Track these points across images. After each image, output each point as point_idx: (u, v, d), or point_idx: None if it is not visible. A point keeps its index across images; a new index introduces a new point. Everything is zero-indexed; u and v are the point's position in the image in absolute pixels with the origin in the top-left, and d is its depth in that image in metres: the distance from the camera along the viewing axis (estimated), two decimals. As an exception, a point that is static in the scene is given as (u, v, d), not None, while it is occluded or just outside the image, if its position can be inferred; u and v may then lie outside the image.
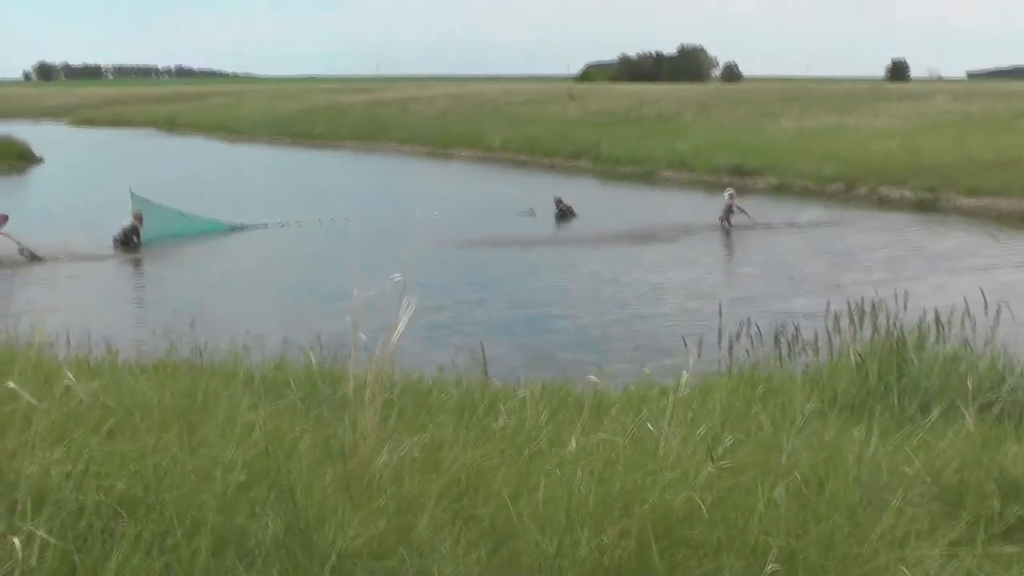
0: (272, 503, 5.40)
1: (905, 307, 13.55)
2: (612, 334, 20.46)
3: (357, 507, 5.44)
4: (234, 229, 36.28)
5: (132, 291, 27.72)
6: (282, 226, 37.39)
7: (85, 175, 59.98)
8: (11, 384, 5.39)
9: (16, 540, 4.54)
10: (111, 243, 32.01)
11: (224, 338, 14.05)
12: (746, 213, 36.42)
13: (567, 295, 25.18)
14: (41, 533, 4.67)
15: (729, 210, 36.47)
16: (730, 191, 38.40)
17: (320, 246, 33.67)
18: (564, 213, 39.48)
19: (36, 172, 65.16)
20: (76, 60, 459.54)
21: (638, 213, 41.26)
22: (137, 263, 30.95)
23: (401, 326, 6.43)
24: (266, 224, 37.30)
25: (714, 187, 49.70)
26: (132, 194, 33.75)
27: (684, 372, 8.00)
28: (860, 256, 30.97)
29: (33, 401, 5.37)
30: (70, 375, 6.01)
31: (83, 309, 20.12)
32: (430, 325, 19.25)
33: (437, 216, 39.35)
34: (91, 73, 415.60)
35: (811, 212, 39.24)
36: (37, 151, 70.70)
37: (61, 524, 4.86)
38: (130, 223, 32.41)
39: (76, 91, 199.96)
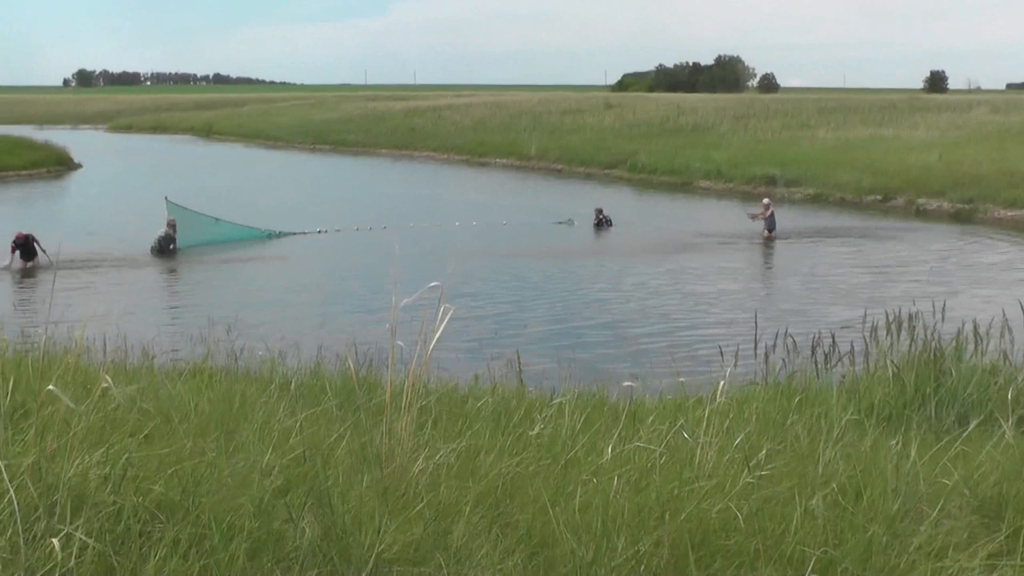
0: (309, 508, 5.41)
1: (943, 318, 13.47)
2: (648, 344, 20.43)
3: (393, 513, 5.45)
4: (271, 236, 36.38)
5: (168, 298, 27.81)
6: (320, 233, 37.48)
7: (123, 181, 60.45)
8: (51, 387, 5.41)
9: (55, 541, 4.57)
10: (148, 251, 32.15)
11: (260, 345, 14.11)
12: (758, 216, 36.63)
13: (604, 305, 25.15)
14: (80, 535, 4.69)
15: (767, 217, 36.42)
16: (766, 200, 38.41)
17: (358, 254, 33.73)
18: (602, 223, 39.52)
19: (75, 178, 65.62)
20: (115, 67, 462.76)
21: (676, 222, 41.39)
22: (174, 270, 31.08)
23: (437, 333, 6.44)
24: (304, 231, 37.38)
25: (751, 197, 49.68)
26: (168, 201, 33.85)
27: (720, 381, 7.97)
28: (898, 267, 30.84)
29: (71, 404, 5.39)
30: (107, 378, 6.02)
31: (120, 315, 20.19)
32: (467, 333, 19.24)
33: (476, 225, 39.37)
34: (129, 80, 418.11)
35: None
36: (76, 157, 71.19)
37: (100, 526, 4.88)
38: (164, 232, 32.59)
39: (115, 98, 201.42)
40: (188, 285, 29.30)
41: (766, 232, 36.22)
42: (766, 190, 50.86)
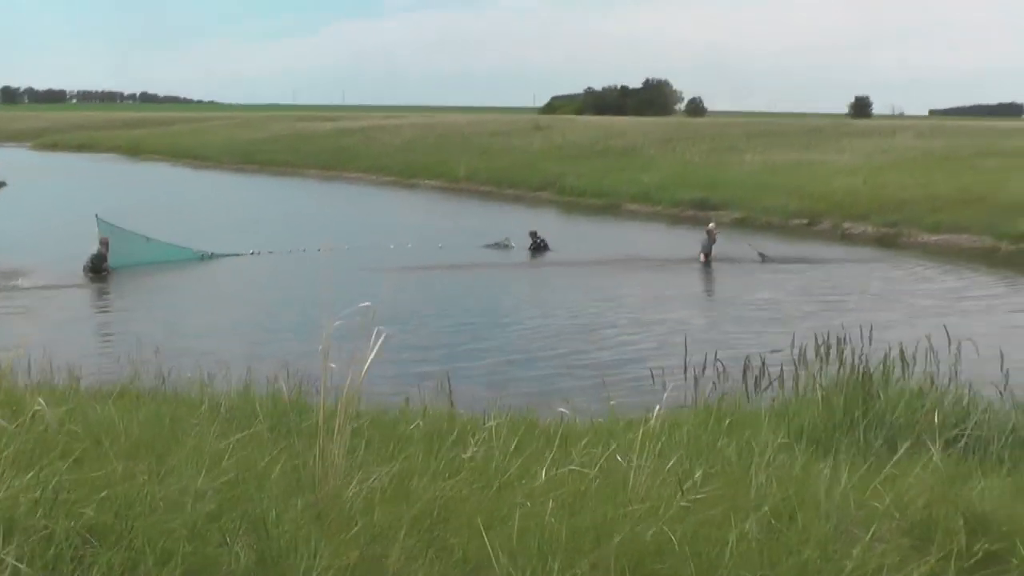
0: (243, 532, 5.38)
1: (870, 342, 13.61)
2: (580, 367, 20.45)
3: (328, 537, 5.43)
4: (204, 257, 36.05)
5: (97, 319, 27.51)
6: (252, 255, 37.21)
7: (49, 199, 59.72)
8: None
9: (-14, 567, 4.51)
10: (81, 271, 31.77)
11: (188, 367, 14.01)
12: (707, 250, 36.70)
13: (536, 327, 25.16)
14: (11, 560, 4.64)
15: (710, 243, 36.57)
16: (712, 224, 38.50)
17: (290, 276, 33.55)
18: (538, 246, 39.52)
19: (-1, 196, 64.83)
20: (40, 84, 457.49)
21: (609, 246, 41.41)
22: (103, 290, 30.73)
23: (371, 355, 6.43)
24: (237, 253, 37.11)
25: (678, 220, 50.08)
26: (98, 219, 33.44)
27: (656, 406, 8.01)
28: (825, 291, 31.13)
29: (4, 424, 5.34)
30: (40, 401, 5.96)
31: (46, 337, 19.98)
32: (398, 355, 19.18)
33: (410, 247, 39.24)
34: (55, 97, 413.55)
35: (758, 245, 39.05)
36: (0, 175, 70.31)
37: (31, 551, 4.83)
38: (97, 250, 32.16)
39: (40, 115, 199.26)
40: (117, 306, 28.99)
41: (702, 256, 36.37)
42: (694, 213, 51.21)
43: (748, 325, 25.36)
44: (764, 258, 37.02)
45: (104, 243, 32.37)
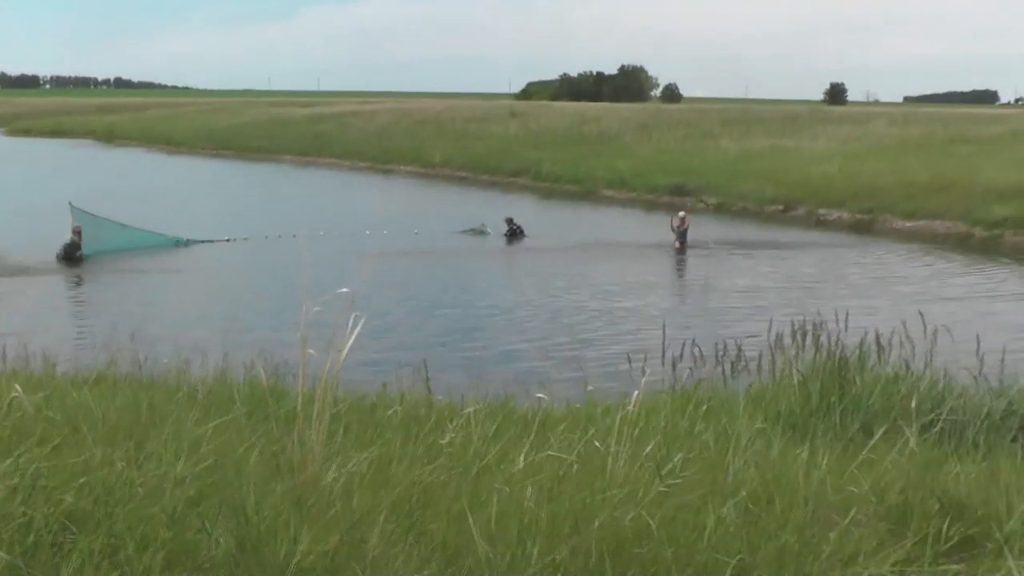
0: (223, 518, 5.37)
1: (846, 328, 13.65)
2: (557, 353, 20.46)
3: (308, 522, 5.42)
4: (179, 244, 35.94)
5: (72, 306, 27.44)
6: (228, 242, 37.10)
7: (23, 186, 59.43)
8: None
9: (-35, 553, 4.51)
10: (54, 258, 31.62)
11: (165, 353, 13.99)
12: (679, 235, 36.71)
13: (513, 313, 25.23)
14: (-10, 547, 4.63)
15: (683, 231, 36.62)
16: (681, 213, 38.52)
17: (267, 262, 33.51)
18: (514, 232, 39.52)
19: (-30, 183, 64.51)
20: (13, 70, 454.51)
21: (585, 232, 41.50)
22: (79, 277, 30.58)
23: (350, 341, 6.42)
24: (212, 240, 37.00)
25: (654, 206, 50.18)
26: (72, 207, 33.26)
27: (635, 391, 8.03)
28: (801, 277, 31.26)
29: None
30: (17, 387, 5.95)
31: (21, 323, 19.92)
32: (375, 341, 19.16)
33: (386, 234, 39.18)
34: (28, 83, 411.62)
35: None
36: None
37: (10, 538, 4.82)
38: (70, 238, 32.01)
39: (12, 101, 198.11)
40: (93, 293, 28.89)
41: (677, 243, 36.42)
42: (670, 199, 51.32)
43: (724, 311, 25.46)
44: (712, 245, 37.20)
45: (77, 231, 32.21)
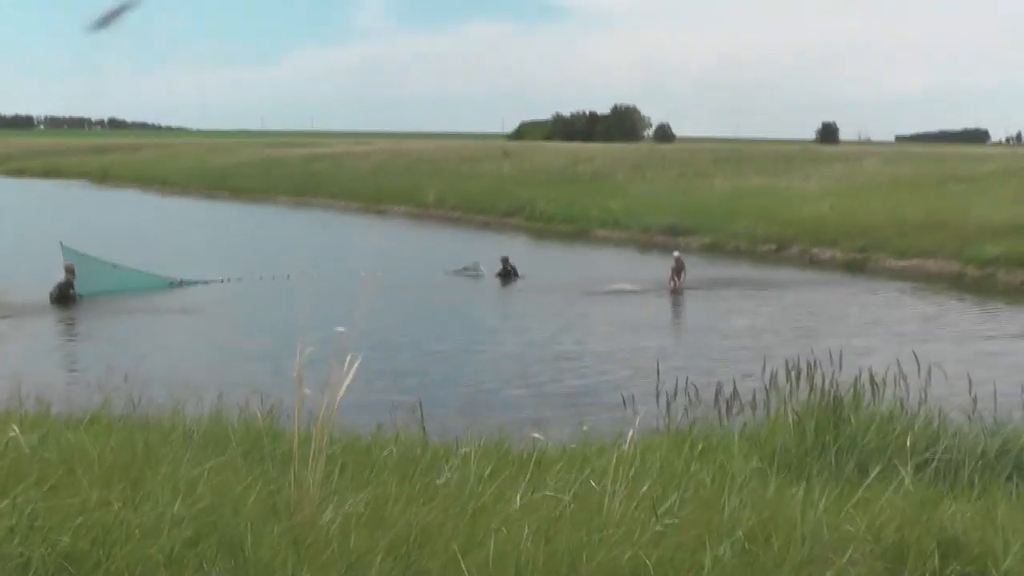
0: (220, 558, 5.38)
1: (840, 367, 13.68)
2: (552, 393, 20.47)
3: (306, 562, 5.43)
4: (173, 285, 35.83)
5: (65, 346, 27.36)
6: (223, 282, 37.04)
7: (14, 226, 59.36)
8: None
9: (-36, 594, 4.51)
10: (47, 299, 31.52)
11: (159, 393, 13.97)
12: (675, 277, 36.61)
13: (507, 354, 25.20)
14: (-13, 588, 4.64)
15: (678, 270, 36.53)
16: (676, 253, 38.44)
17: (261, 303, 33.47)
18: (508, 273, 39.52)
19: (-36, 222, 64.49)
20: (7, 110, 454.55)
21: (579, 272, 41.44)
22: (72, 318, 30.43)
23: (346, 381, 6.43)
24: (206, 280, 36.93)
25: (648, 246, 50.22)
26: (63, 247, 33.19)
27: (630, 430, 8.04)
28: (796, 317, 31.28)
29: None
30: (15, 427, 5.97)
31: (13, 364, 19.89)
32: (369, 381, 19.13)
33: (381, 275, 39.07)
34: (22, 123, 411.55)
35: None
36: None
37: (8, 579, 4.82)
38: (64, 278, 31.89)
39: (6, 141, 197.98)
40: (85, 333, 28.80)
41: (672, 283, 36.35)
42: (664, 239, 51.39)
43: (719, 351, 25.45)
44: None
45: (70, 270, 32.04)
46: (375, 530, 6.12)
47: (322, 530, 5.96)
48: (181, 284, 35.96)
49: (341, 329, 6.90)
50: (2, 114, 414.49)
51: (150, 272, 35.68)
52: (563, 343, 26.80)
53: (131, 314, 31.47)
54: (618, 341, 27.07)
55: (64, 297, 31.52)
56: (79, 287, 31.96)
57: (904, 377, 13.25)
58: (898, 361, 13.49)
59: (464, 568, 5.56)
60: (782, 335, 27.38)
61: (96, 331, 28.90)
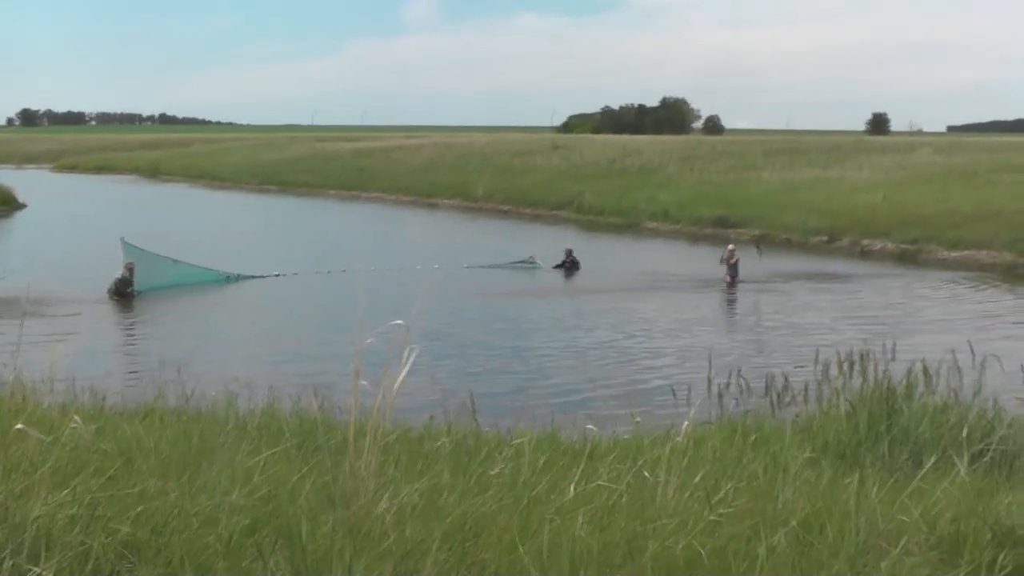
0: (278, 547, 5.42)
1: (893, 358, 13.62)
2: (604, 386, 20.43)
3: (361, 551, 5.46)
4: (230, 279, 36.05)
5: (120, 341, 27.52)
6: (278, 277, 37.27)
7: (69, 221, 59.89)
8: (20, 426, 5.43)
9: (27, 582, 4.58)
10: (105, 294, 31.76)
11: (213, 387, 14.08)
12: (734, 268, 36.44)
13: (561, 346, 25.18)
14: (50, 575, 4.69)
15: (732, 264, 36.36)
16: (731, 246, 38.21)
17: (317, 297, 33.63)
18: (567, 265, 39.65)
19: (20, 217, 65.09)
20: (60, 107, 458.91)
21: (631, 265, 41.35)
22: (128, 313, 30.67)
23: (404, 371, 6.45)
24: (262, 275, 37.18)
25: (698, 238, 50.15)
26: (123, 242, 33.42)
27: (684, 421, 8.04)
28: (848, 308, 31.12)
29: (45, 439, 5.42)
30: (77, 418, 6.03)
31: (70, 358, 20.03)
32: (423, 373, 19.16)
33: (437, 268, 39.10)
34: (74, 119, 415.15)
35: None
36: (21, 197, 70.64)
37: (68, 567, 4.88)
38: (122, 274, 32.09)
39: (59, 137, 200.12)
40: (141, 328, 28.98)
41: (728, 277, 36.25)
42: (713, 231, 51.29)
43: (771, 342, 25.40)
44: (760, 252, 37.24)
45: (129, 268, 32.22)
46: (430, 520, 6.14)
47: (377, 520, 5.99)
48: (237, 279, 36.15)
49: (399, 322, 6.93)
50: (55, 110, 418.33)
51: (206, 267, 35.88)
52: (616, 336, 26.76)
53: (187, 309, 31.72)
54: (671, 333, 27.03)
55: (122, 293, 31.69)
56: (138, 283, 32.14)
57: (958, 368, 13.17)
58: (952, 352, 13.42)
59: (520, 557, 5.58)
60: (834, 326, 27.27)
61: (151, 326, 29.09)
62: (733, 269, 36.35)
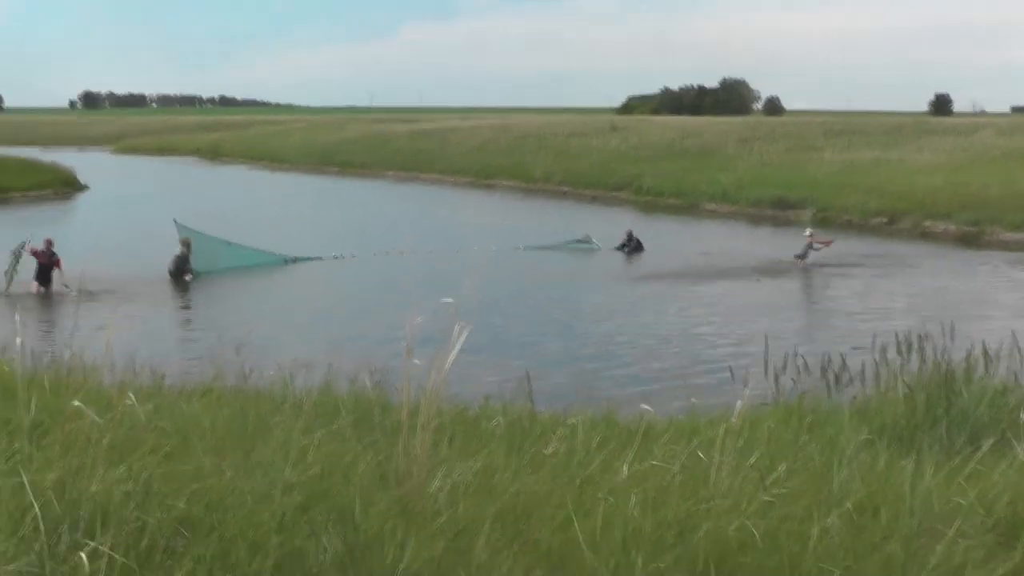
0: (331, 524, 5.45)
1: (952, 340, 13.51)
2: (661, 366, 20.43)
3: (414, 529, 5.48)
4: (287, 261, 36.22)
5: (178, 321, 27.76)
6: (336, 259, 37.41)
7: (130, 203, 60.30)
8: (77, 403, 5.48)
9: (83, 555, 4.63)
10: (166, 274, 31.98)
11: (270, 366, 14.14)
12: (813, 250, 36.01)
13: (619, 328, 25.12)
14: (106, 550, 4.74)
15: (808, 248, 35.98)
16: (809, 230, 37.73)
17: (374, 278, 33.78)
18: (632, 246, 39.55)
19: (82, 199, 65.71)
20: (121, 89, 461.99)
21: (690, 246, 41.16)
22: (186, 293, 30.93)
23: (455, 348, 6.46)
24: (320, 257, 37.32)
25: (758, 220, 49.87)
26: (177, 224, 33.69)
27: (738, 402, 8.00)
28: (908, 289, 30.91)
29: (98, 419, 5.46)
30: (131, 396, 6.08)
31: (130, 337, 20.22)
32: (478, 354, 19.20)
33: (494, 249, 39.12)
34: (135, 102, 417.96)
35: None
36: (82, 178, 71.27)
37: (124, 542, 4.92)
38: (180, 251, 32.28)
39: (121, 119, 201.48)
40: (199, 309, 29.23)
41: (802, 261, 35.85)
42: (773, 212, 51.05)
43: (830, 324, 25.25)
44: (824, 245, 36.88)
45: (186, 243, 32.39)
46: (483, 499, 6.16)
47: (430, 498, 6.01)
48: (295, 261, 36.30)
49: (449, 300, 6.94)
50: (116, 93, 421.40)
51: (264, 249, 36.05)
52: (675, 318, 26.71)
53: (244, 290, 31.93)
54: (730, 315, 26.97)
55: (181, 271, 31.90)
56: (195, 265, 32.35)
57: (1019, 350, 13.05)
58: (1013, 334, 13.30)
59: (573, 536, 5.58)
60: (895, 308, 27.09)
61: (209, 306, 29.32)
62: (807, 251, 35.83)
